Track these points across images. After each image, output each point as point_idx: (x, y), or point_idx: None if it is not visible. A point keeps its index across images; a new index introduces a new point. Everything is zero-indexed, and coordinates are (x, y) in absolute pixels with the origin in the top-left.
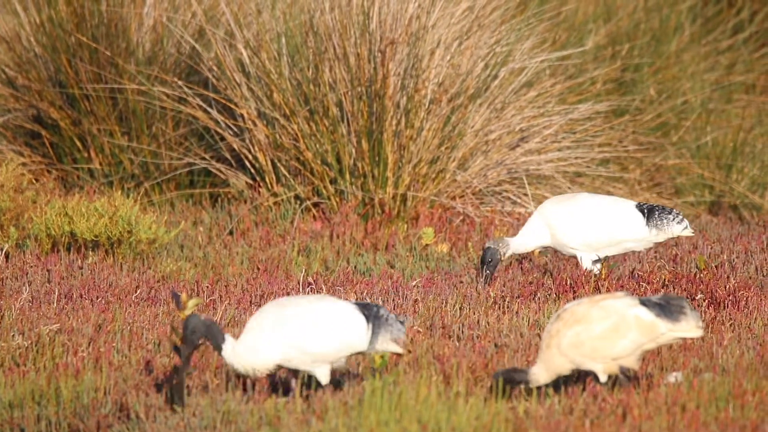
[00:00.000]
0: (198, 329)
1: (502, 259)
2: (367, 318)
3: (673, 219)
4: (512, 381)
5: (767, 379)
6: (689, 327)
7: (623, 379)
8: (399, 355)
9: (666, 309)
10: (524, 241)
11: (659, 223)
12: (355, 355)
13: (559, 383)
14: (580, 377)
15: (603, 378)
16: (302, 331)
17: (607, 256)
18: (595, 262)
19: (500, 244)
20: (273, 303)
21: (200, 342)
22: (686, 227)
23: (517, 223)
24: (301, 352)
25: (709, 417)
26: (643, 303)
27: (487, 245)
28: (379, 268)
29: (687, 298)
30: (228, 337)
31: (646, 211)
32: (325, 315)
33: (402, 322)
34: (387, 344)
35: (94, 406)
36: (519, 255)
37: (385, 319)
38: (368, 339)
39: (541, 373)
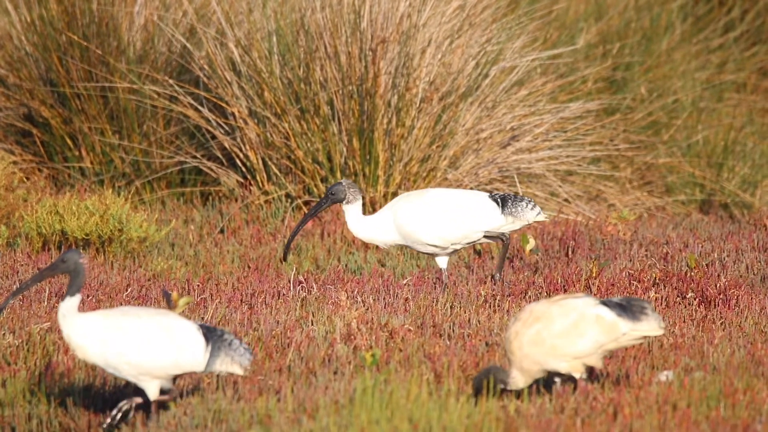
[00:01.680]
0: (70, 263)
1: (346, 199)
2: (207, 339)
3: (527, 205)
4: (494, 379)
5: (758, 378)
6: (651, 327)
7: (558, 382)
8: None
9: (627, 309)
10: (370, 232)
11: (514, 210)
12: (191, 375)
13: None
14: (572, 377)
15: (577, 375)
16: (127, 341)
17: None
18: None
19: (350, 191)
20: (121, 309)
21: (57, 274)
22: (539, 213)
23: None
24: (123, 361)
25: (700, 416)
26: (604, 303)
27: (337, 184)
28: (370, 267)
29: (678, 296)
30: (73, 301)
31: (500, 200)
32: (157, 331)
33: (247, 350)
34: (228, 366)
35: (85, 405)
36: (367, 240)
37: (229, 343)
38: (205, 360)
39: (517, 377)
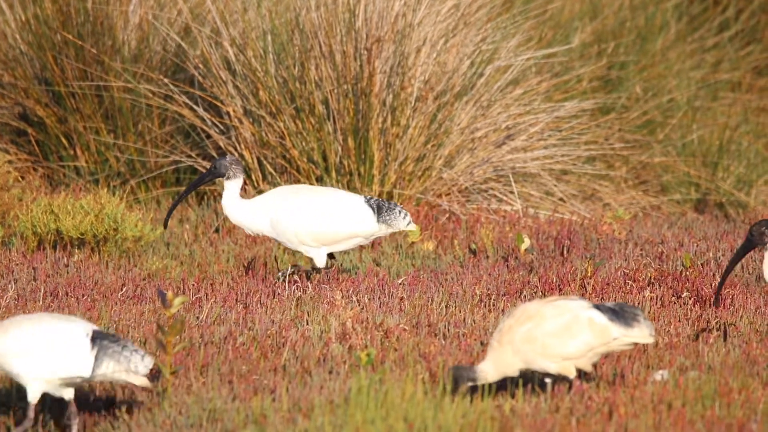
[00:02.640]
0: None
1: (228, 174)
2: (94, 343)
3: (399, 214)
4: (460, 378)
5: (753, 377)
6: (642, 334)
7: (549, 383)
8: (144, 388)
9: (620, 315)
10: (243, 216)
11: (388, 218)
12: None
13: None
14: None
15: (572, 376)
16: (9, 342)
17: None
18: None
19: (233, 167)
20: (20, 318)
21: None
22: (410, 222)
23: (503, 221)
24: (4, 362)
25: (695, 415)
26: (597, 307)
27: (220, 158)
28: (364, 266)
29: (673, 295)
30: None
31: (375, 206)
32: (40, 334)
33: (144, 357)
34: (118, 374)
35: (79, 406)
36: (236, 222)
37: (122, 348)
38: (91, 365)
39: (489, 371)
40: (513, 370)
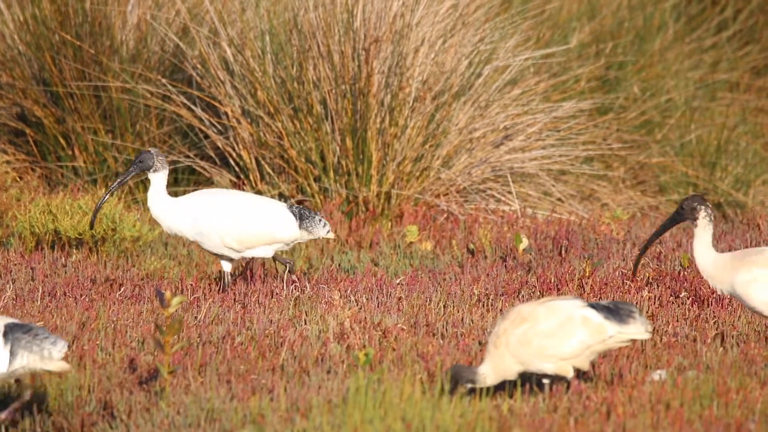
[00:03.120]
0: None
1: (154, 167)
2: (6, 338)
3: (319, 222)
4: (460, 378)
5: (751, 377)
6: (638, 330)
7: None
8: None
9: (614, 312)
10: (166, 213)
11: (309, 225)
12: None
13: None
14: (559, 377)
15: (569, 376)
16: None
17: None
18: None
19: (158, 158)
20: None
21: None
22: (329, 230)
23: (501, 221)
24: None
25: (693, 415)
26: (592, 306)
27: (145, 151)
28: (363, 266)
29: (671, 295)
30: None
31: (297, 213)
32: None
33: (56, 341)
34: (34, 363)
35: (78, 404)
36: (156, 217)
37: (33, 336)
38: (6, 361)
39: (488, 374)
40: (512, 373)
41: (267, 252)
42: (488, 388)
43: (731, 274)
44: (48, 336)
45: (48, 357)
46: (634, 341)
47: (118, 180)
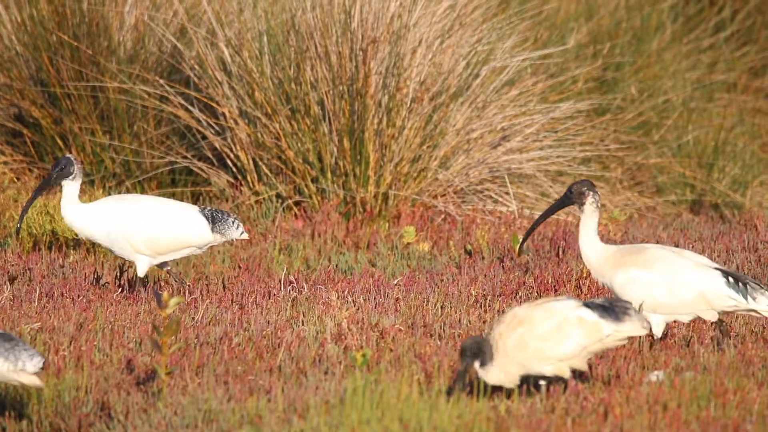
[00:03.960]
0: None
1: (74, 174)
2: None
3: (233, 223)
4: (479, 353)
5: (748, 378)
6: (634, 327)
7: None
8: None
9: (610, 310)
10: (80, 219)
11: (222, 228)
12: None
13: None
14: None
15: (567, 376)
16: None
17: (166, 261)
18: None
19: (77, 166)
20: None
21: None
22: (243, 232)
23: (499, 222)
24: None
25: (690, 416)
26: (587, 305)
27: (65, 158)
28: (360, 267)
29: None
30: None
31: (210, 216)
32: None
33: (33, 355)
34: (8, 373)
35: (76, 405)
36: (69, 223)
37: (12, 346)
38: None
39: (495, 372)
40: (513, 379)
41: (180, 255)
42: (486, 387)
43: (611, 270)
44: (27, 349)
45: (21, 369)
46: (631, 338)
47: (38, 188)
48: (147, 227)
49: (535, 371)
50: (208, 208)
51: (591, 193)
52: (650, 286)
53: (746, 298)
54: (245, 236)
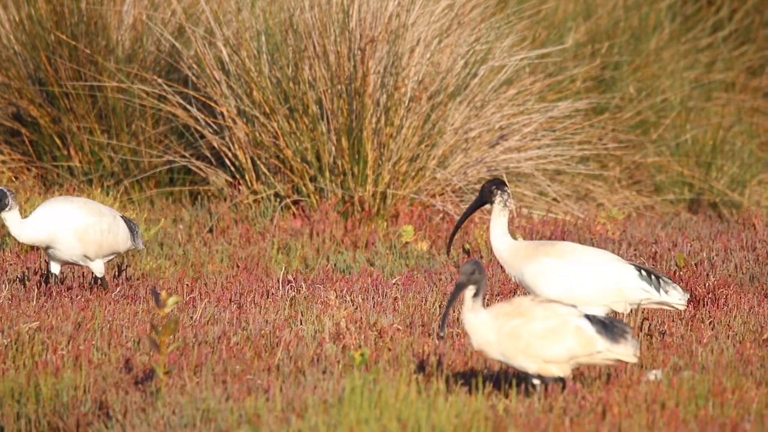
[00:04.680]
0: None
1: (9, 205)
2: None
3: (138, 228)
4: (478, 271)
5: (747, 377)
6: (627, 352)
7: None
8: None
9: (608, 328)
10: (29, 233)
11: (135, 237)
12: None
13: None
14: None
15: (551, 376)
16: None
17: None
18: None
19: (11, 196)
20: None
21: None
22: (141, 233)
23: None
24: None
25: (688, 415)
26: (588, 317)
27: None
28: (358, 266)
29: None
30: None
31: (128, 223)
32: None
33: None
34: None
35: (74, 405)
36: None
37: None
38: None
39: (483, 328)
40: (493, 353)
41: (109, 259)
42: (484, 386)
43: (524, 262)
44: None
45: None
46: (620, 362)
47: None
48: (91, 231)
49: (517, 364)
50: (124, 216)
51: (499, 191)
52: (564, 277)
53: (659, 291)
54: (139, 246)
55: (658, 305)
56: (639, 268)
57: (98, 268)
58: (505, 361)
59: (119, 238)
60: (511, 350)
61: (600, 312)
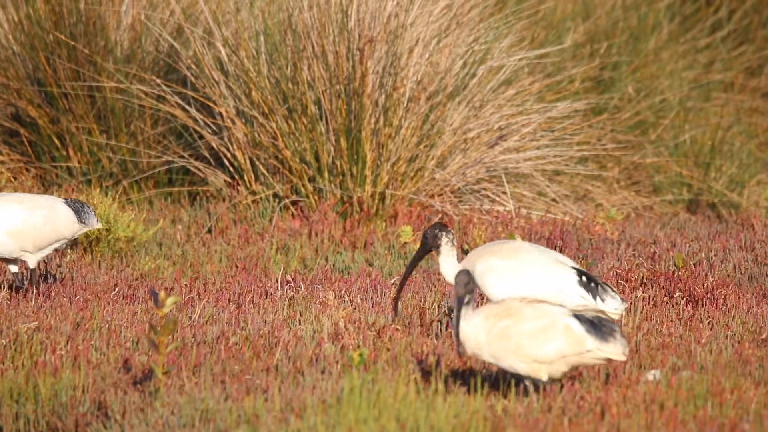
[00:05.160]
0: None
1: None
2: None
3: (93, 213)
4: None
5: (745, 377)
6: (616, 350)
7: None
8: None
9: (597, 327)
10: None
11: (85, 218)
12: None
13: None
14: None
15: (543, 378)
16: None
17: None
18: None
19: None
20: None
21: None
22: (98, 220)
23: (496, 221)
24: None
25: (687, 415)
26: (577, 316)
27: None
28: (357, 266)
29: (665, 295)
30: None
31: (75, 206)
32: None
33: None
34: None
35: (73, 405)
36: None
37: None
38: None
39: (478, 323)
40: (484, 355)
41: (52, 249)
42: (483, 386)
43: (471, 265)
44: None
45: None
46: (609, 360)
47: None
48: (28, 223)
49: (507, 365)
50: (72, 200)
51: (444, 233)
52: (510, 275)
53: (595, 299)
54: (99, 225)
55: (594, 312)
56: (580, 273)
57: (33, 260)
58: (495, 363)
59: (59, 226)
60: (501, 351)
61: None
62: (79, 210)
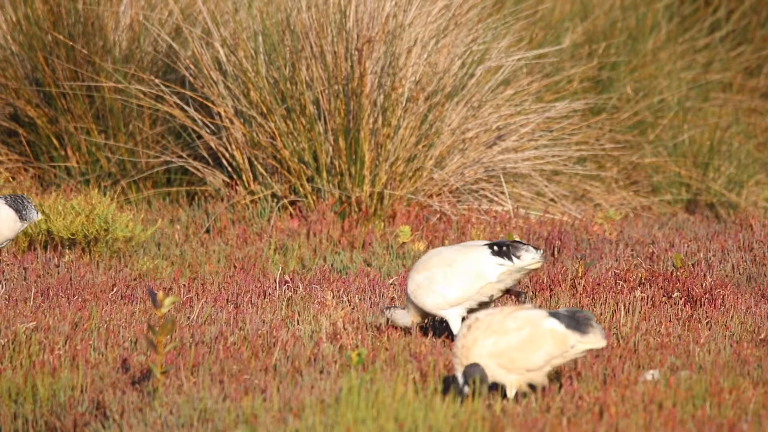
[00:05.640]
0: None
1: None
2: None
3: (32, 206)
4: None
5: (744, 377)
6: (596, 339)
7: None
8: None
9: (574, 321)
10: None
11: (26, 214)
12: None
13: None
14: (556, 376)
15: (511, 393)
16: None
17: None
18: None
19: None
20: None
21: None
22: (39, 213)
23: (494, 221)
24: None
25: (685, 415)
26: (553, 315)
27: None
28: (355, 266)
29: (664, 295)
30: None
31: (14, 205)
32: None
33: None
34: None
35: (71, 405)
36: None
37: None
38: None
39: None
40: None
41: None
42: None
43: (408, 283)
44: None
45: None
46: (590, 351)
47: None
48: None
49: (499, 380)
50: (9, 195)
51: (386, 310)
52: (432, 286)
53: (512, 260)
54: (41, 216)
55: (521, 273)
56: (491, 245)
57: None
58: (491, 381)
59: (2, 229)
60: (495, 369)
61: (486, 299)
62: (20, 208)
